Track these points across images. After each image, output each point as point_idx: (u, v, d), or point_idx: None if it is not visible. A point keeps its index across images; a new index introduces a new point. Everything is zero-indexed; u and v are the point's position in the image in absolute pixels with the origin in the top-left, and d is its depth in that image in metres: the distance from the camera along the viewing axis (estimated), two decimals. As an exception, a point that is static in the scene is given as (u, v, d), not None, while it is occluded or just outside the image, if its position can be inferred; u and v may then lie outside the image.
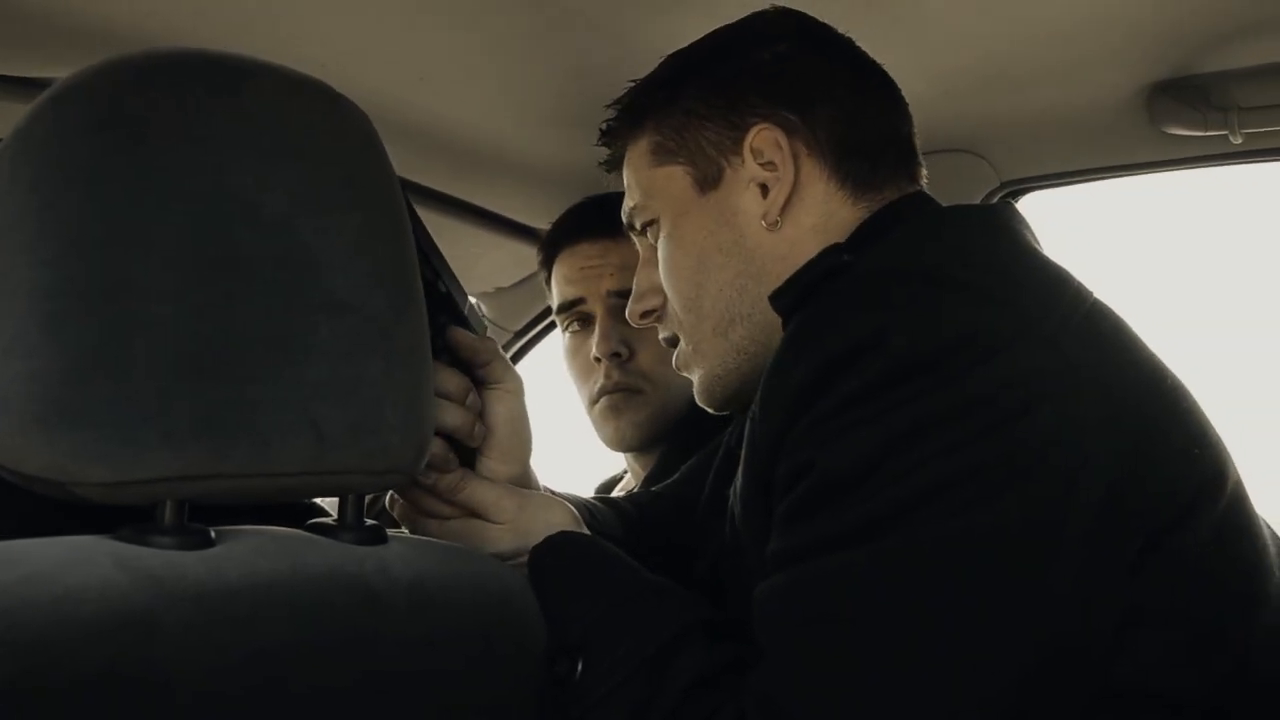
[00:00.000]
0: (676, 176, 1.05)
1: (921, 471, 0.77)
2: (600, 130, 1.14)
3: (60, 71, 0.72)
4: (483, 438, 1.00)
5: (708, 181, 1.04)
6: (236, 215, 0.71)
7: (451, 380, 0.97)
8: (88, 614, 0.60)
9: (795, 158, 1.01)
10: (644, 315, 1.12)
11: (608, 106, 1.13)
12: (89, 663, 0.59)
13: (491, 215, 1.85)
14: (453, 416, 0.96)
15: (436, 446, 0.95)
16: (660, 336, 1.12)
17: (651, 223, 1.08)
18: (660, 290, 1.08)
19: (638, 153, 1.09)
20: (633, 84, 1.12)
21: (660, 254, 1.07)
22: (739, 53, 1.06)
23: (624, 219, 1.12)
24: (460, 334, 0.99)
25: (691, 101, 1.05)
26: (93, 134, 0.68)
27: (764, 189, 1.02)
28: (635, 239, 1.14)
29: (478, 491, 1.00)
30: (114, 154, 0.68)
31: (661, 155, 1.06)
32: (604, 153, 1.16)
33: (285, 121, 0.75)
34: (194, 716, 0.63)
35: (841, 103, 1.03)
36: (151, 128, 0.69)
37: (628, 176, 1.11)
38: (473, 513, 1.00)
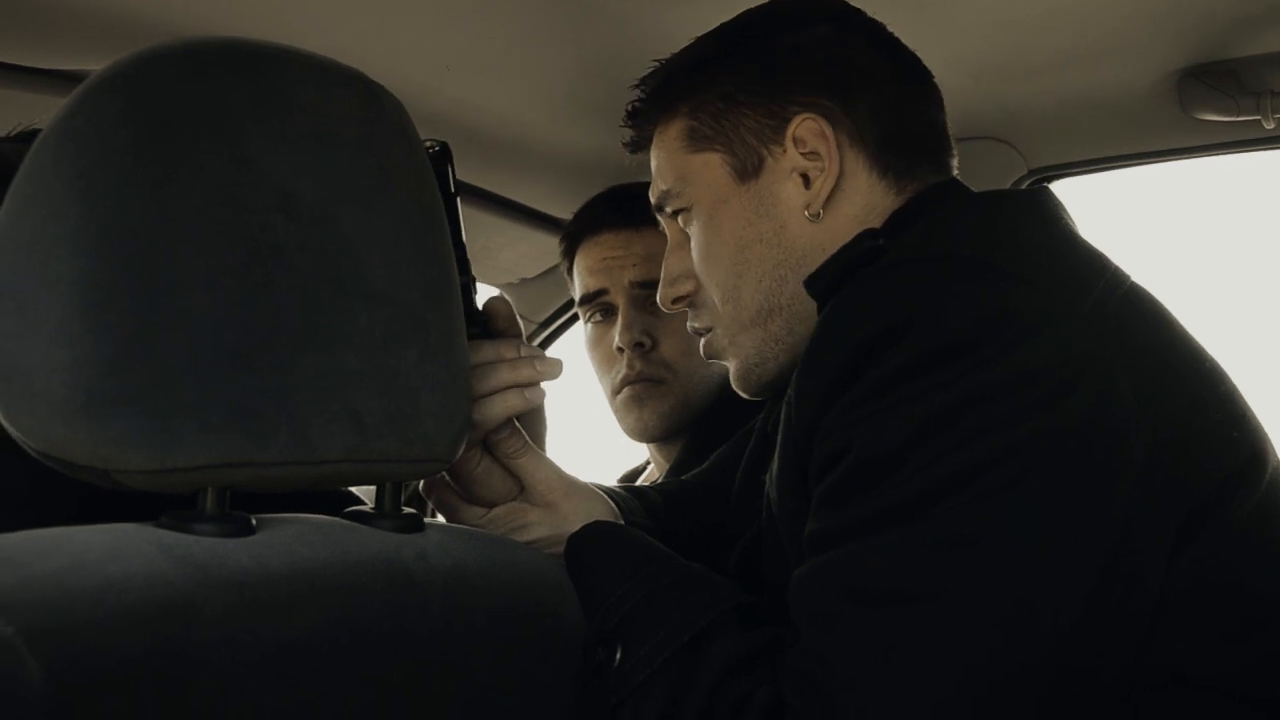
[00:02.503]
0: (714, 164, 1.03)
1: (957, 453, 0.77)
2: (627, 111, 1.12)
3: (95, 64, 0.72)
4: (557, 371, 0.99)
5: (747, 171, 1.02)
6: (273, 204, 0.71)
7: (495, 348, 0.97)
8: (131, 601, 0.60)
9: (839, 148, 1.00)
10: (676, 301, 1.09)
11: (634, 86, 1.11)
12: (131, 648, 0.59)
13: (516, 206, 1.85)
14: (511, 373, 0.96)
15: (515, 396, 0.95)
16: (690, 326, 1.10)
17: (685, 209, 1.06)
18: (693, 276, 1.07)
19: (670, 136, 1.06)
20: (657, 63, 1.10)
21: (695, 242, 1.05)
22: (776, 36, 1.04)
23: (653, 201, 1.10)
24: (499, 303, 0.99)
25: (729, 87, 1.03)
26: (131, 124, 0.68)
27: (805, 179, 1.00)
28: (664, 221, 1.11)
29: (533, 461, 1.00)
30: (152, 143, 0.68)
31: (697, 141, 1.04)
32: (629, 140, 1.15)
33: (322, 110, 0.75)
34: (233, 701, 0.63)
35: (881, 90, 1.02)
36: (189, 117, 0.69)
37: (658, 159, 1.09)
38: (520, 485, 1.00)
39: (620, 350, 1.55)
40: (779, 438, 0.91)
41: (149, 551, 0.64)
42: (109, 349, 0.65)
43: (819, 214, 1.00)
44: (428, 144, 0.95)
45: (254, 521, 0.71)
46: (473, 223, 1.81)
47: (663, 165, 1.08)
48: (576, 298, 1.65)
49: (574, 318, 2.09)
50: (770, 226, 1.01)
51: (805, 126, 1.00)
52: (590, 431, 1.93)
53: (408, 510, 0.80)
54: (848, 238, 0.97)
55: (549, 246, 1.93)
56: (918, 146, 1.03)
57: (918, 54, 1.08)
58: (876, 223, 0.99)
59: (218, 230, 0.69)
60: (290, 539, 0.70)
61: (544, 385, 0.99)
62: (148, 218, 0.67)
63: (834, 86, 1.01)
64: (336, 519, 0.77)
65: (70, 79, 1.21)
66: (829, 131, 1.00)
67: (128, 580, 0.61)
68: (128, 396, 0.66)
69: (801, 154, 1.00)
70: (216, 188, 0.69)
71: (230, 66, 0.73)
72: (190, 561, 0.64)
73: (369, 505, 0.82)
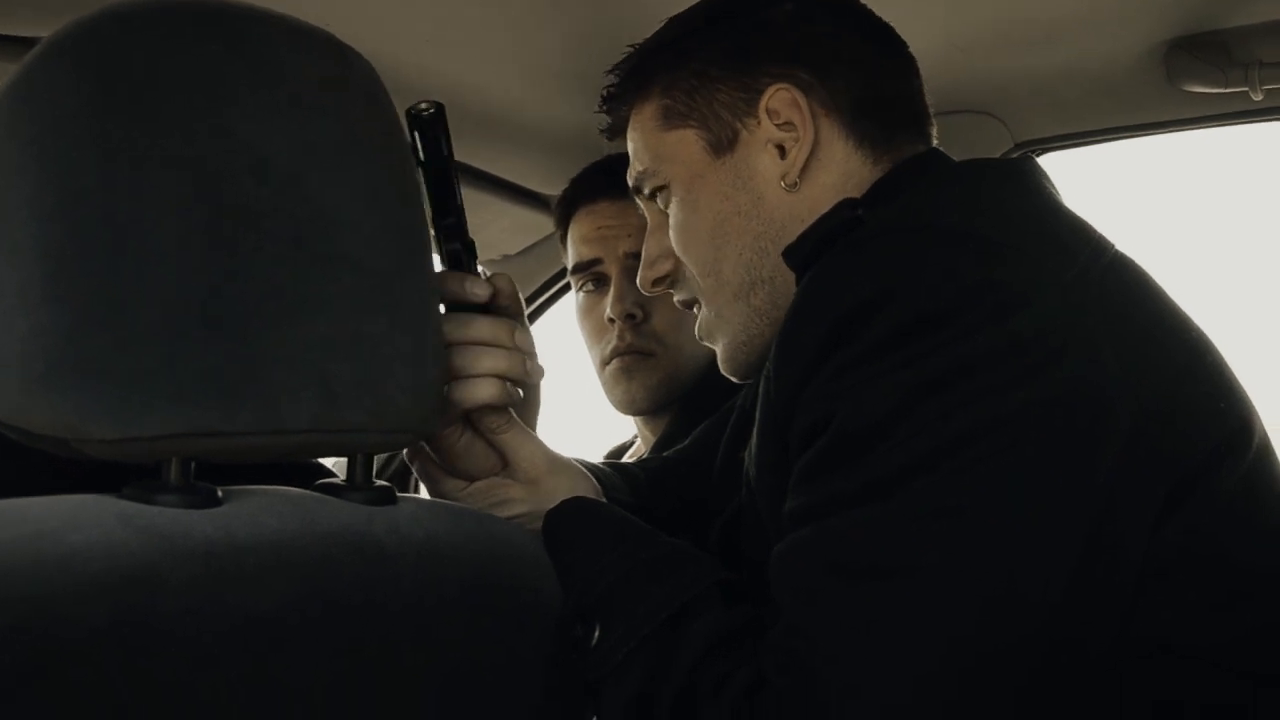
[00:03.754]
0: (689, 140, 1.03)
1: (940, 425, 0.76)
2: (602, 96, 1.11)
3: (54, 28, 0.70)
4: (540, 376, 0.98)
5: (722, 144, 1.01)
6: (241, 167, 0.69)
7: (491, 327, 0.95)
8: (94, 571, 0.59)
9: (814, 117, 0.99)
10: (656, 282, 1.10)
11: (609, 71, 1.10)
12: (95, 618, 0.58)
13: (499, 181, 1.83)
14: (503, 360, 0.94)
15: (494, 385, 0.94)
16: (676, 300, 1.10)
17: (662, 188, 1.06)
18: (672, 256, 1.06)
19: (645, 116, 1.06)
20: (632, 47, 1.10)
21: (673, 220, 1.05)
22: (749, 11, 1.03)
23: (631, 184, 1.10)
24: (502, 280, 0.97)
25: (702, 63, 1.02)
26: (91, 84, 0.66)
27: (781, 150, 1.00)
28: (643, 204, 1.11)
29: (517, 438, 0.99)
30: (114, 104, 0.66)
31: (671, 118, 1.04)
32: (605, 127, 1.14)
33: (291, 72, 0.73)
34: (200, 673, 0.62)
35: (855, 61, 1.01)
36: (152, 77, 0.67)
37: (634, 141, 1.08)
38: (503, 460, 0.99)
39: (611, 321, 1.54)
40: (757, 412, 0.90)
41: (109, 522, 0.62)
42: (69, 316, 0.64)
43: (796, 183, 0.99)
44: (423, 105, 0.93)
45: (220, 493, 0.69)
46: (454, 198, 1.80)
47: (638, 146, 1.07)
48: (569, 266, 1.63)
49: (557, 295, 2.08)
50: (747, 199, 1.00)
51: (778, 97, 0.99)
52: (580, 406, 1.92)
53: (380, 483, 0.79)
54: (826, 207, 0.96)
55: (531, 222, 1.91)
56: (896, 115, 1.02)
57: (903, 27, 1.07)
58: (855, 192, 0.98)
59: (184, 193, 0.67)
60: (257, 510, 0.69)
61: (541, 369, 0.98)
62: (109, 181, 0.65)
63: (806, 57, 1.00)
64: (306, 491, 0.75)
65: (24, 45, 1.19)
66: (802, 100, 0.99)
67: (90, 550, 0.60)
68: (89, 364, 0.64)
69: (776, 125, 1.00)
70: (182, 150, 0.67)
71: (196, 25, 0.71)
72: (152, 532, 0.63)
73: (341, 478, 0.81)
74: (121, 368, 0.64)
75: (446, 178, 0.94)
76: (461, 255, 0.96)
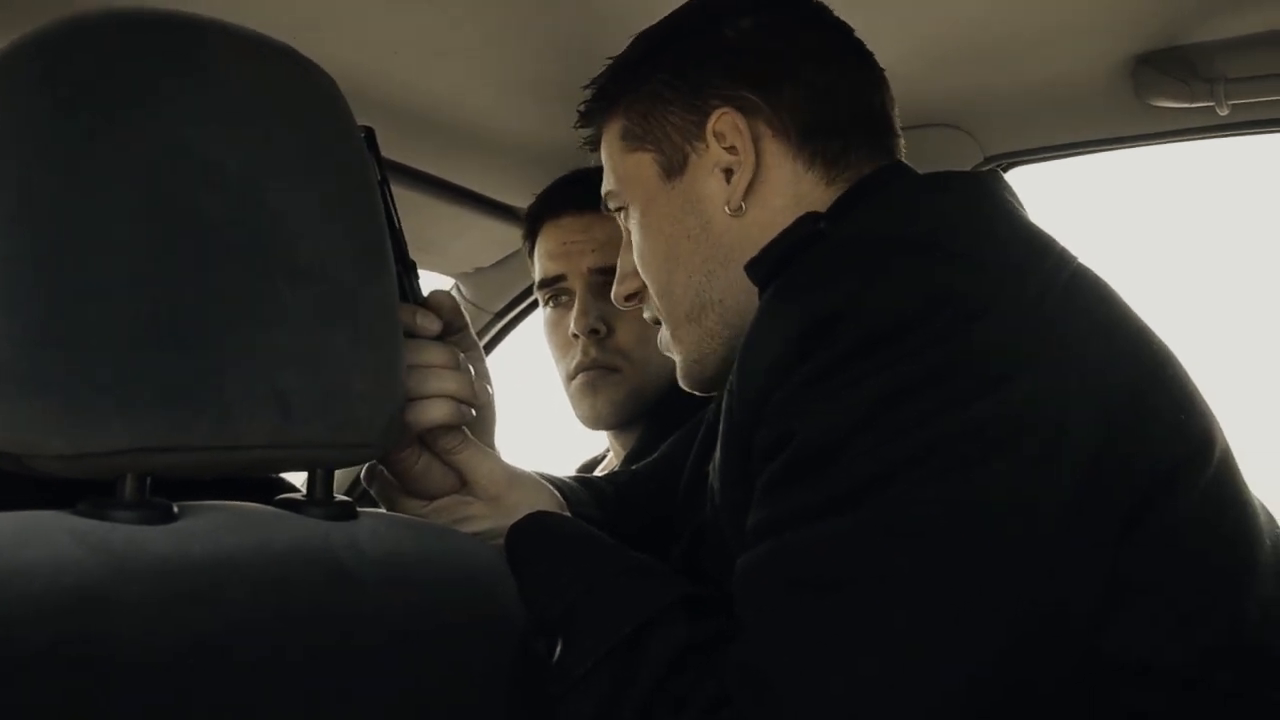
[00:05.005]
0: (645, 164, 1.03)
1: (902, 438, 0.76)
2: (578, 112, 1.12)
3: (9, 36, 0.69)
4: (487, 399, 0.97)
5: (673, 168, 1.02)
6: (197, 177, 0.69)
7: (439, 352, 0.94)
8: (43, 589, 0.58)
9: (756, 140, 0.98)
10: (628, 298, 1.11)
11: (584, 87, 1.10)
12: (45, 638, 0.57)
13: (470, 194, 1.82)
14: (451, 382, 0.94)
15: (446, 405, 0.93)
16: (646, 316, 1.11)
17: (624, 208, 1.07)
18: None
19: (611, 136, 1.07)
20: (610, 61, 1.10)
21: (633, 242, 1.06)
22: (702, 31, 1.03)
23: (602, 199, 1.11)
24: (441, 296, 0.97)
25: (656, 85, 1.02)
26: (45, 94, 0.66)
27: (728, 174, 0.99)
28: (619, 220, 1.12)
29: (474, 457, 0.98)
30: (67, 114, 0.66)
31: (630, 141, 1.04)
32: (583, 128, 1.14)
33: (247, 82, 0.73)
34: (154, 693, 0.61)
35: (808, 79, 1.00)
36: (106, 87, 0.67)
37: (604, 159, 1.09)
38: (462, 479, 0.99)
39: (576, 336, 1.54)
40: (721, 427, 0.89)
41: (62, 539, 0.61)
42: (21, 328, 0.63)
43: (740, 208, 0.99)
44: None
45: (176, 509, 0.68)
46: (426, 211, 1.80)
47: (606, 166, 1.09)
48: (535, 281, 1.63)
49: (533, 306, 2.07)
50: (696, 223, 1.01)
51: (723, 121, 0.99)
52: (555, 418, 1.91)
53: (341, 498, 0.78)
54: (778, 229, 0.95)
55: (504, 235, 1.90)
56: (852, 132, 1.00)
57: (872, 41, 1.06)
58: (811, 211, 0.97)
59: (137, 204, 0.66)
60: (213, 526, 0.68)
61: (490, 389, 0.98)
62: (62, 190, 0.65)
63: (754, 78, 0.99)
64: (264, 506, 0.74)
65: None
66: (742, 124, 0.98)
67: (40, 568, 0.59)
68: (42, 378, 0.63)
69: (723, 149, 0.99)
70: (138, 160, 0.67)
71: (154, 37, 0.70)
72: (105, 549, 0.62)
73: (302, 493, 0.80)
74: (72, 381, 0.63)
75: (383, 200, 0.93)
76: (403, 276, 0.95)
